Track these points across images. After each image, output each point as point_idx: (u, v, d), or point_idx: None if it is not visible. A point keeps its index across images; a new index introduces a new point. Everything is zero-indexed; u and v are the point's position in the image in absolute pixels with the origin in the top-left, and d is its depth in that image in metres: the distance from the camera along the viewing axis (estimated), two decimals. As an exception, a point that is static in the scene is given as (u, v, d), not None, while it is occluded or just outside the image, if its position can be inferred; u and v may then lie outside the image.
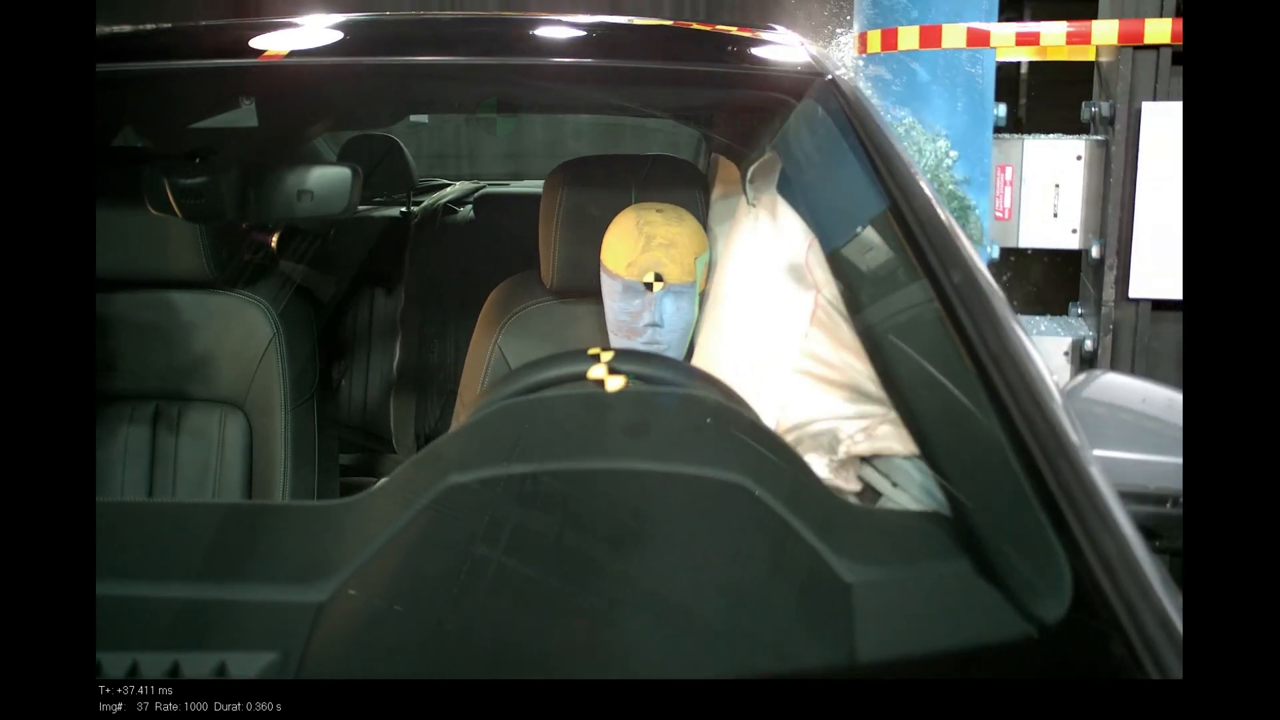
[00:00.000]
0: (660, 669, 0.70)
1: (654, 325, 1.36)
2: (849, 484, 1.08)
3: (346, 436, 2.38)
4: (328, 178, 1.54)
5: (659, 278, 1.33)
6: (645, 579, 0.76)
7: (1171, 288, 2.44)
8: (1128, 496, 0.74)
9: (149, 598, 0.74)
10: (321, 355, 1.76)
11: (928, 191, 0.98)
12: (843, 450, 1.08)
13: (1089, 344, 2.50)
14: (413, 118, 3.05)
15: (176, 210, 1.42)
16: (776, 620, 0.73)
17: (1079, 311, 2.70)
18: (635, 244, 1.34)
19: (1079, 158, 2.53)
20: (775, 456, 0.86)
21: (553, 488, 0.81)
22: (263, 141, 1.82)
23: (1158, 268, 2.43)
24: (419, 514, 0.79)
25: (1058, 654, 0.69)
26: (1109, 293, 2.50)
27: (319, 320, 1.78)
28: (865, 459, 1.09)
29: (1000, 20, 2.44)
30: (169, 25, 1.45)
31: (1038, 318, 2.69)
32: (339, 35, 1.34)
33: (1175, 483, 0.94)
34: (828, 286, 1.17)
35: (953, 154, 2.39)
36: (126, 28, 1.35)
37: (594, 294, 1.45)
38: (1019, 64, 3.96)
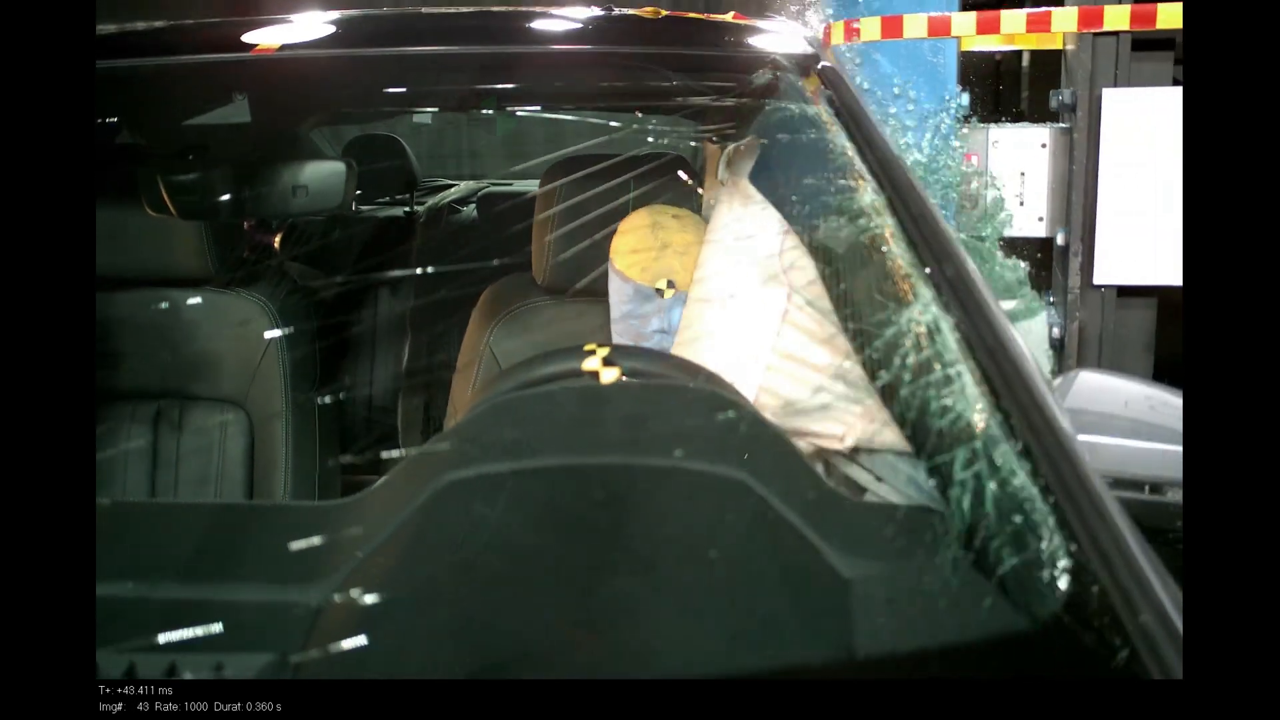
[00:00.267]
0: (660, 667, 0.69)
1: (662, 332, 1.33)
2: (828, 480, 1.06)
3: (353, 435, 2.37)
4: (322, 173, 1.53)
5: (671, 284, 1.31)
6: (644, 574, 0.75)
7: (1135, 274, 2.45)
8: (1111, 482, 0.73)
9: (146, 598, 0.74)
10: (326, 354, 1.76)
11: (917, 185, 0.97)
12: (817, 445, 1.06)
13: (1055, 331, 2.51)
14: (415, 118, 3.03)
15: (171, 207, 1.40)
16: (773, 615, 0.72)
17: (1050, 300, 2.70)
18: (650, 249, 1.32)
19: (1044, 146, 2.53)
20: (774, 451, 0.85)
21: (549, 483, 0.80)
22: (258, 137, 1.81)
23: (1121, 255, 2.45)
24: (416, 513, 0.77)
25: (1056, 649, 0.67)
26: (1074, 280, 2.51)
27: (321, 319, 1.76)
28: (848, 455, 1.07)
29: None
30: (160, 24, 1.43)
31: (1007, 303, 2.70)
32: (331, 30, 1.33)
33: (1154, 467, 0.94)
34: (802, 283, 1.15)
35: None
36: (111, 27, 1.33)
37: (586, 292, 1.44)
38: (1019, 55, 3.97)
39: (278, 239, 1.95)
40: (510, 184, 3.18)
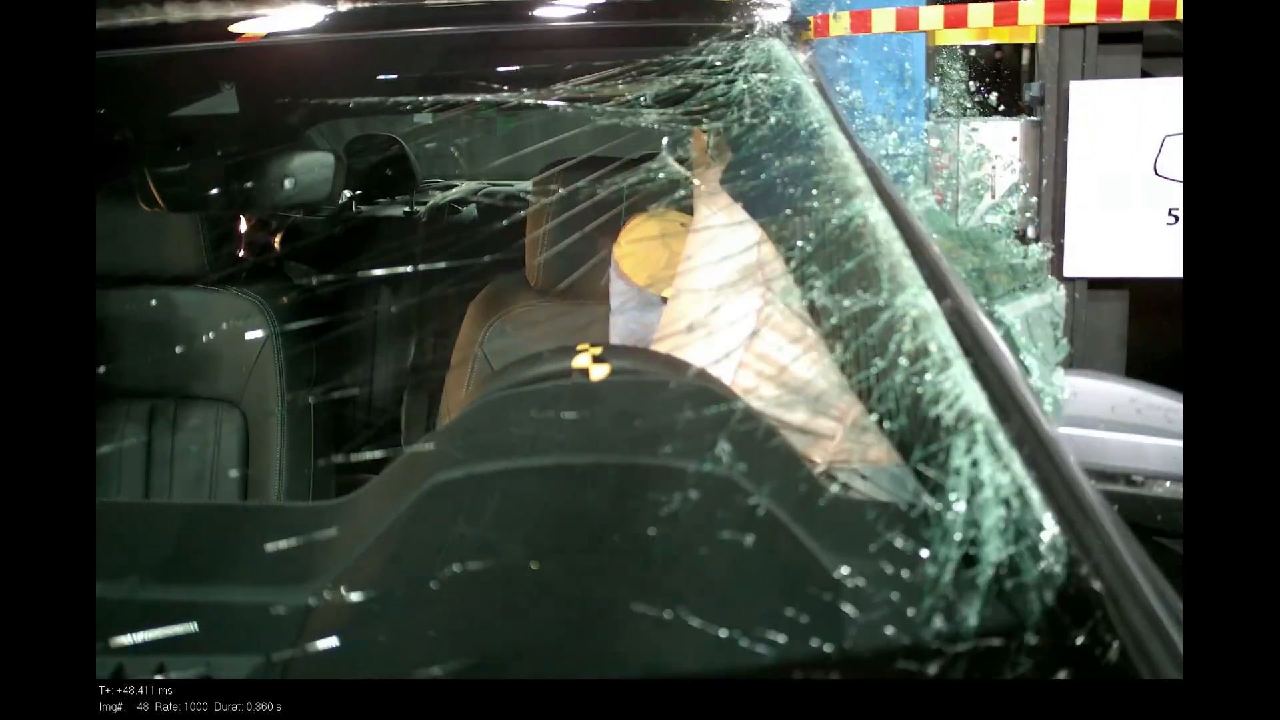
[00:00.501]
0: (651, 666, 0.69)
1: None
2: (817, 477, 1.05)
3: (351, 435, 2.35)
4: (309, 164, 1.53)
5: None
6: (636, 572, 0.74)
7: (1105, 267, 2.47)
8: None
9: (139, 599, 0.73)
10: (323, 353, 1.74)
11: (890, 188, 0.96)
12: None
13: None
14: (416, 118, 3.01)
15: (159, 200, 1.39)
16: (763, 614, 0.71)
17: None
18: (659, 257, 1.29)
19: (1014, 139, 2.54)
20: (764, 448, 0.84)
21: (540, 481, 0.80)
22: (246, 128, 1.79)
23: (1091, 247, 2.46)
24: (406, 512, 0.77)
25: (1054, 648, 0.66)
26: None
27: (320, 318, 1.76)
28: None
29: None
30: (152, 20, 1.40)
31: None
32: (319, 20, 1.32)
33: (1132, 459, 0.94)
34: (779, 285, 1.13)
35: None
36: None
37: (578, 294, 1.43)
38: (1020, 49, 4.00)
39: (277, 238, 1.93)
40: (511, 184, 3.17)
